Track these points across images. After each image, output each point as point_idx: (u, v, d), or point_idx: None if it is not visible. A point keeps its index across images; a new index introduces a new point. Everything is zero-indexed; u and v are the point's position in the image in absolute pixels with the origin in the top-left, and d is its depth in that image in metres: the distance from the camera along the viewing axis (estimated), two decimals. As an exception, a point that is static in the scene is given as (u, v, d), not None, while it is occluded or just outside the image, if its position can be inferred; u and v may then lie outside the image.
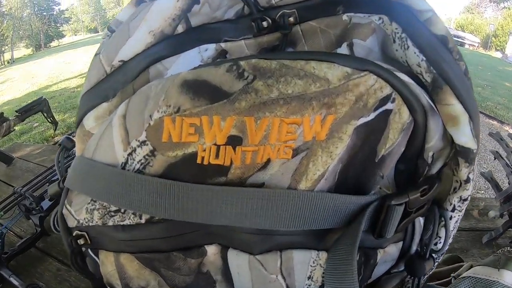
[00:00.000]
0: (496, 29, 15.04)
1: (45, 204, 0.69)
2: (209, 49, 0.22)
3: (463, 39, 15.69)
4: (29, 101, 1.14)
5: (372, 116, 0.20)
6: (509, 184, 0.66)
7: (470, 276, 0.40)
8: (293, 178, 0.20)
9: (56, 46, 15.53)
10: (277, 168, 0.20)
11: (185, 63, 0.22)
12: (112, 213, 0.23)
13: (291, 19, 0.22)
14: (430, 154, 0.22)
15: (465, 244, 0.66)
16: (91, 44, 12.58)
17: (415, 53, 0.20)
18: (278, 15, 0.22)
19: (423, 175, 0.23)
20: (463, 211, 0.24)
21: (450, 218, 0.24)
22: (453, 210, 0.24)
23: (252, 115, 0.18)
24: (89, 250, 0.25)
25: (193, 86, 0.19)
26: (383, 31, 0.21)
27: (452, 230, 0.25)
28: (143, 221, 0.22)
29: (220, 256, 0.23)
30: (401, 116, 0.20)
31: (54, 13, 17.30)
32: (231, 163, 0.19)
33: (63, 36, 18.16)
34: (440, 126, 0.21)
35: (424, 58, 0.20)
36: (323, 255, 0.23)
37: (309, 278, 0.23)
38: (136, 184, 0.20)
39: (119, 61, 0.22)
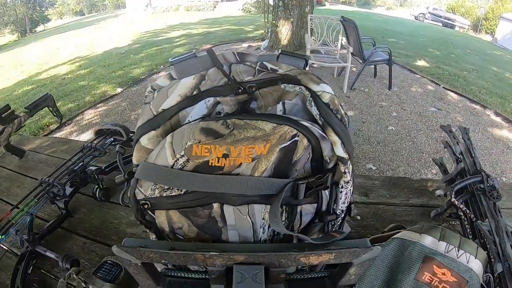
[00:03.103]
0: (487, 12, 15.04)
1: (68, 190, 0.81)
2: (210, 101, 0.41)
3: (453, 21, 15.67)
4: (36, 98, 1.21)
5: (288, 143, 0.38)
6: (454, 169, 0.80)
7: (398, 238, 0.54)
8: (252, 171, 0.38)
9: (42, 31, 15.11)
10: (244, 167, 0.38)
11: (198, 109, 0.41)
12: (165, 189, 0.41)
13: (253, 88, 0.40)
14: (326, 158, 0.40)
15: (415, 218, 0.80)
16: (78, 28, 12.22)
17: (314, 109, 0.39)
18: (247, 86, 0.40)
19: (325, 168, 0.41)
20: (349, 188, 0.42)
21: (341, 192, 0.42)
22: (342, 188, 0.42)
23: (233, 145, 0.37)
24: (148, 211, 0.43)
25: (206, 130, 0.38)
26: (303, 95, 0.40)
27: (342, 199, 0.43)
28: (182, 192, 0.40)
29: (220, 208, 0.40)
30: (303, 142, 0.38)
31: (39, -4, 16.75)
32: (224, 165, 0.38)
33: (48, 20, 17.64)
34: (329, 145, 0.39)
35: (318, 113, 0.39)
36: (268, 207, 0.40)
37: (263, 218, 0.40)
38: (179, 175, 0.39)
39: (161, 109, 0.40)
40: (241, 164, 0.38)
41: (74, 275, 0.59)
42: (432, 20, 15.86)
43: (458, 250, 0.50)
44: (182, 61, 0.41)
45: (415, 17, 16.74)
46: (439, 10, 16.68)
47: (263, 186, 0.38)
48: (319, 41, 4.23)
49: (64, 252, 0.71)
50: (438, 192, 0.79)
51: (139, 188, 0.42)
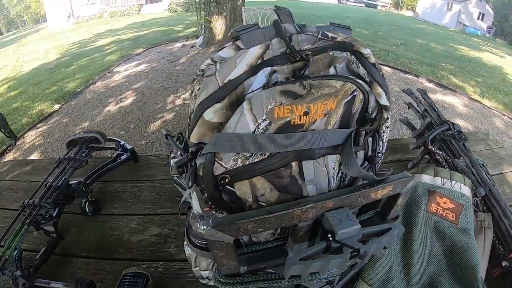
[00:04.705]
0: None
1: (54, 212, 0.75)
2: (267, 70, 0.42)
3: (375, 1, 16.95)
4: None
5: (349, 97, 0.42)
6: (421, 125, 0.90)
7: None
8: (325, 125, 0.43)
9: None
10: (319, 122, 0.42)
11: (259, 78, 0.42)
12: (248, 157, 0.42)
13: (310, 55, 0.43)
14: (370, 109, 0.46)
15: (395, 172, 0.89)
16: (-1, 48, 10.88)
17: (362, 69, 0.44)
18: (304, 54, 0.43)
19: (368, 118, 0.47)
20: (388, 132, 0.50)
21: (383, 136, 0.50)
22: (383, 132, 0.49)
23: (311, 103, 0.40)
24: (226, 186, 0.44)
25: (285, 92, 0.39)
26: (348, 59, 0.44)
27: (384, 142, 0.50)
28: (265, 156, 0.42)
29: (298, 166, 0.44)
30: (359, 96, 0.43)
31: None
32: (305, 122, 0.41)
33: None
34: (373, 98, 0.45)
35: (366, 72, 0.44)
36: (338, 157, 0.46)
37: (333, 168, 0.46)
38: (262, 139, 0.40)
39: (227, 80, 0.40)
40: (316, 120, 0.42)
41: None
42: (355, 2, 16.95)
43: (451, 181, 0.59)
44: (249, 32, 0.42)
45: (338, 0, 17.76)
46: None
47: (335, 136, 0.44)
48: (256, 32, 4.29)
49: (67, 279, 0.63)
50: (411, 146, 0.88)
51: (219, 162, 0.43)
